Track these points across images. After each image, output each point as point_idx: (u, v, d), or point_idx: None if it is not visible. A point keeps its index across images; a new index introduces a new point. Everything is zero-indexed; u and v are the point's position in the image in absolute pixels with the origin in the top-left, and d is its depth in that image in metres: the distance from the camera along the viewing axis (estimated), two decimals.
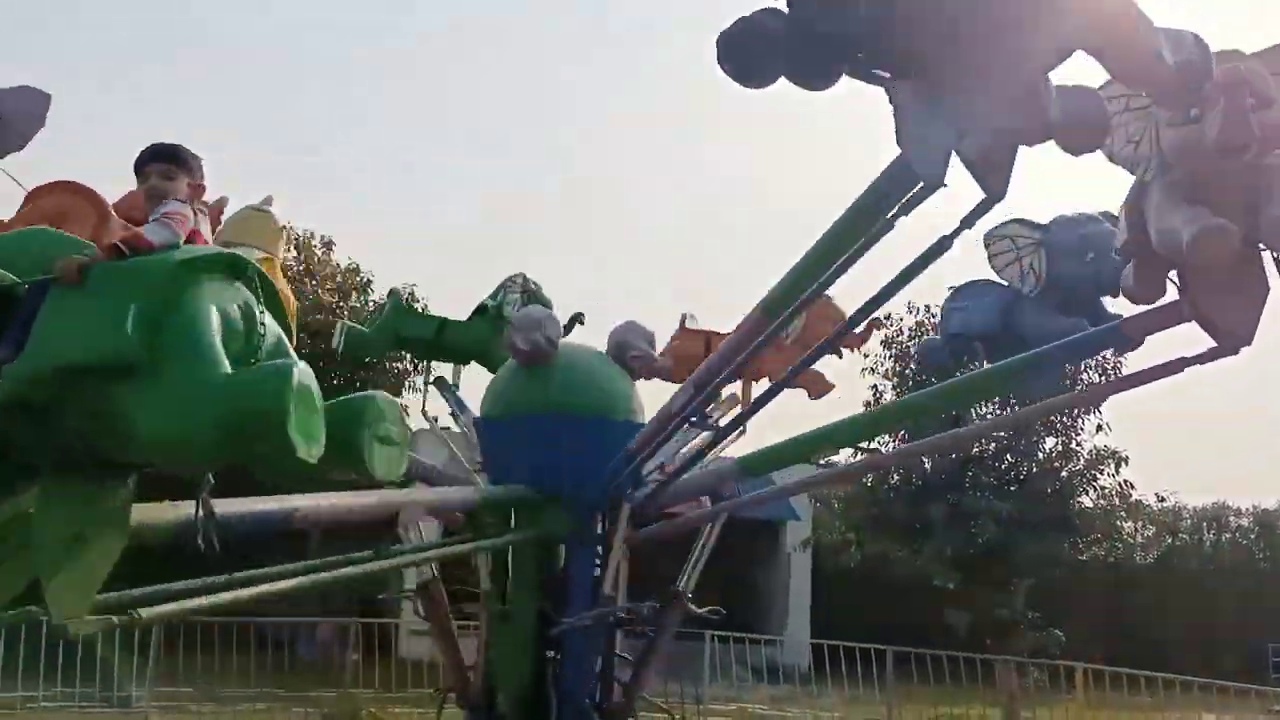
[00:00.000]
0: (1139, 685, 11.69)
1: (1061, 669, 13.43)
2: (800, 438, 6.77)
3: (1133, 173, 4.43)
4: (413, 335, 7.62)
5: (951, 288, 6.38)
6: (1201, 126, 3.82)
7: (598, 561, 6.40)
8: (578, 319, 7.21)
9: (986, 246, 5.58)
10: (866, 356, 18.42)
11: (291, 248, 24.94)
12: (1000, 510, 16.58)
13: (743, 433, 7.88)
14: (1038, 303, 5.76)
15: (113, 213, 3.10)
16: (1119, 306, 5.23)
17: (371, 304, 24.93)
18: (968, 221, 3.48)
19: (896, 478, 18.32)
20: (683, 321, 7.62)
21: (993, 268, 5.64)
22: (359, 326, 8.10)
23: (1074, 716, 12.27)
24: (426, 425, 8.17)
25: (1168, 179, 4.14)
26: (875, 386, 18.42)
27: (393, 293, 7.14)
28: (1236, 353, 4.48)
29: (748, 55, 2.84)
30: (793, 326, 6.74)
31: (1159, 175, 4.23)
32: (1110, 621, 27.88)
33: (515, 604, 6.31)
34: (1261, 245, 4.25)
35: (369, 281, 25.26)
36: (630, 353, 6.88)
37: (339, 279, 23.82)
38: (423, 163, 56.23)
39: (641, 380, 7.04)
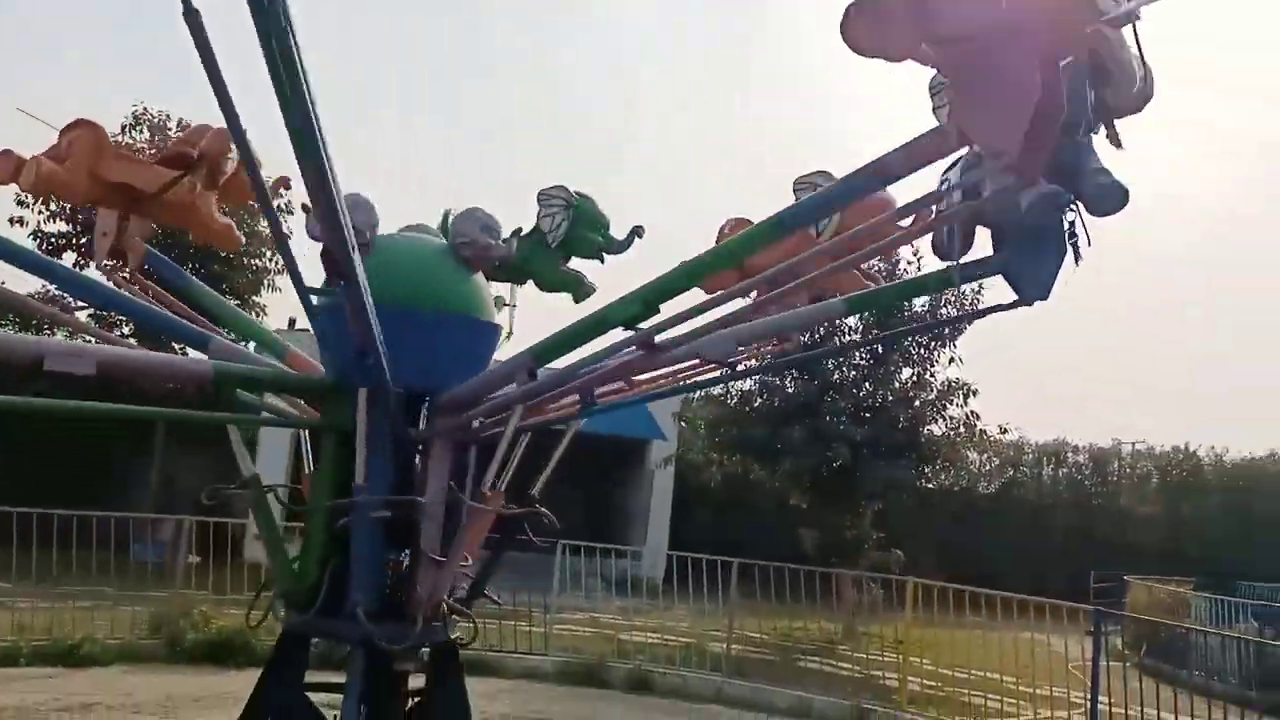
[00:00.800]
0: (972, 603, 12.30)
1: (894, 586, 14.03)
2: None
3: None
4: None
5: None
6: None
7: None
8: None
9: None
10: None
11: (144, 129, 23.43)
12: (855, 435, 17.10)
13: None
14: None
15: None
16: None
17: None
18: None
19: (758, 400, 18.65)
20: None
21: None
22: None
23: (905, 631, 12.85)
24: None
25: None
26: None
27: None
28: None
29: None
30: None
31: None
32: (952, 545, 29.37)
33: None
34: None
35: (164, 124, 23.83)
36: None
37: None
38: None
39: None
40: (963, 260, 5.31)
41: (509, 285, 7.45)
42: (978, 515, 33.02)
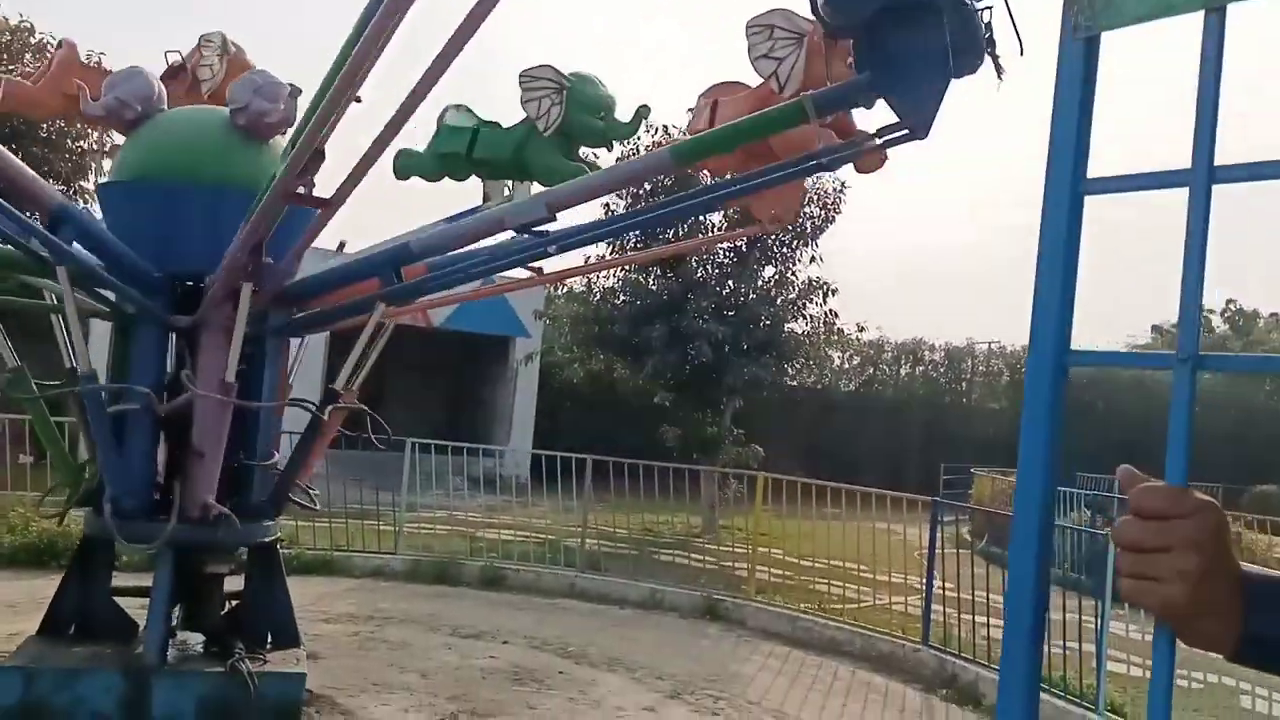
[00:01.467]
0: (831, 497, 12.57)
1: (750, 481, 14.25)
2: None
3: None
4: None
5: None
6: None
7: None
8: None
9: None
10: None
11: None
12: (716, 333, 17.10)
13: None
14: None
15: None
16: None
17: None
18: None
19: (621, 298, 18.44)
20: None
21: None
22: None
23: (755, 523, 13.09)
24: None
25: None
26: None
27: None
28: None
29: None
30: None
31: None
32: (813, 443, 30.22)
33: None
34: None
35: (47, 43, 21.82)
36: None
37: (5, 36, 20.35)
38: None
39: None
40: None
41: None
42: (838, 413, 33.99)
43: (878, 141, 4.77)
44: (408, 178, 6.33)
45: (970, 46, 4.14)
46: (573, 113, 5.73)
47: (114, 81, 5.71)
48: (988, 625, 9.54)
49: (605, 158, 12.22)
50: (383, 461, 15.18)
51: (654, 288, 18.05)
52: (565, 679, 8.26)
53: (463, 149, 6.10)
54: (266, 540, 6.39)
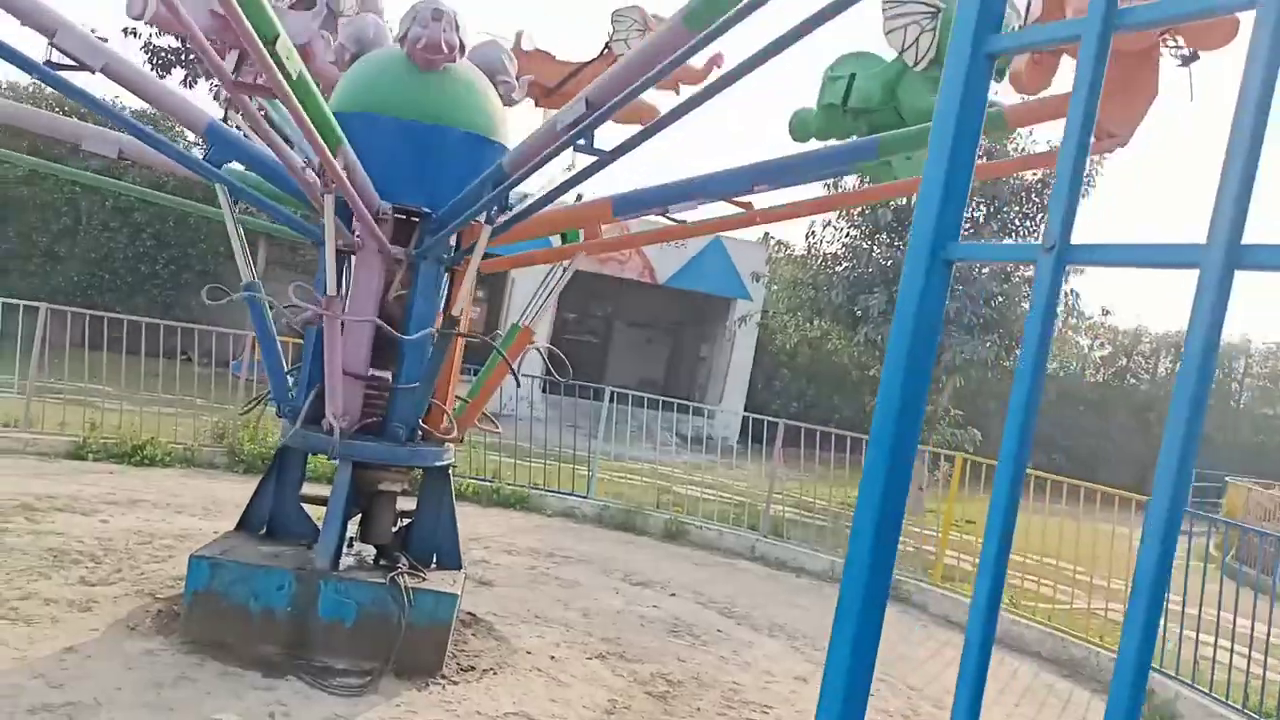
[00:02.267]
0: (1046, 489, 11.78)
1: (954, 460, 13.56)
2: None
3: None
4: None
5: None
6: None
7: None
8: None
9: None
10: None
11: None
12: None
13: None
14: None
15: None
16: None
17: None
18: None
19: (842, 264, 17.96)
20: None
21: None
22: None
23: (968, 510, 12.48)
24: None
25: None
26: None
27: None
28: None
29: None
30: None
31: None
32: (1046, 433, 28.39)
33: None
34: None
35: None
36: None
37: None
38: None
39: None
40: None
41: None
42: (1080, 404, 31.72)
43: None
44: (805, 139, 5.81)
45: None
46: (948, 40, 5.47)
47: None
48: (1214, 647, 8.70)
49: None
50: (594, 410, 15.68)
51: (876, 254, 17.45)
52: (722, 637, 8.24)
53: (839, 99, 5.48)
54: (439, 465, 6.72)
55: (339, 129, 5.55)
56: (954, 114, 0.95)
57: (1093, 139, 4.22)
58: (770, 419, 13.29)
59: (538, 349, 7.08)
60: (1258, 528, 16.77)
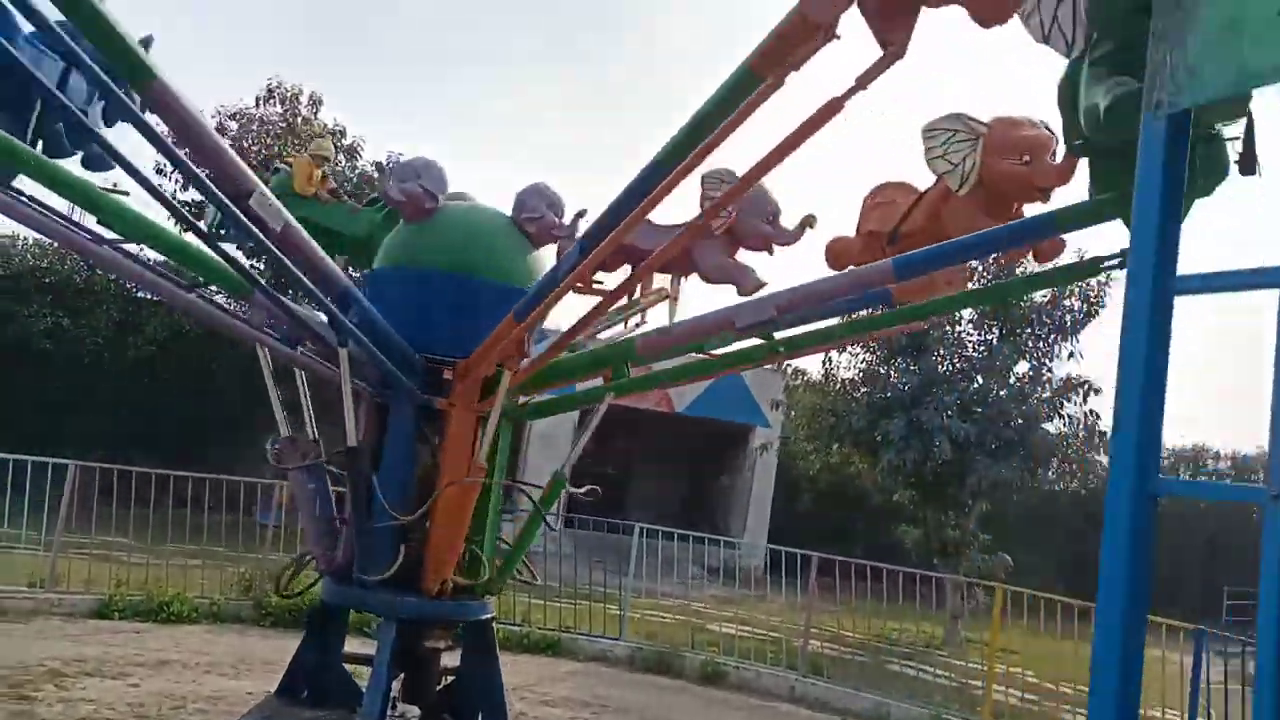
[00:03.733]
0: (1081, 615, 11.54)
1: (995, 591, 13.30)
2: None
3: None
4: None
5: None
6: None
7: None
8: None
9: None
10: None
11: (276, 102, 24.20)
12: (959, 430, 16.29)
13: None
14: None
15: None
16: None
17: (358, 171, 24.37)
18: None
19: (862, 390, 18.01)
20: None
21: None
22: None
23: (993, 638, 12.15)
24: None
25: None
26: None
27: None
28: None
29: None
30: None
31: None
32: (1077, 554, 27.89)
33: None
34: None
35: (356, 146, 24.65)
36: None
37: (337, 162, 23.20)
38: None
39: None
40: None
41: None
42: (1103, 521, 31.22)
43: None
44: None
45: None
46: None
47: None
48: None
49: None
50: (618, 544, 15.49)
51: (894, 379, 17.51)
52: None
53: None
54: (484, 618, 6.59)
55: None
56: (1143, 354, 0.97)
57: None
58: (802, 552, 13.08)
59: (571, 492, 7.01)
60: None
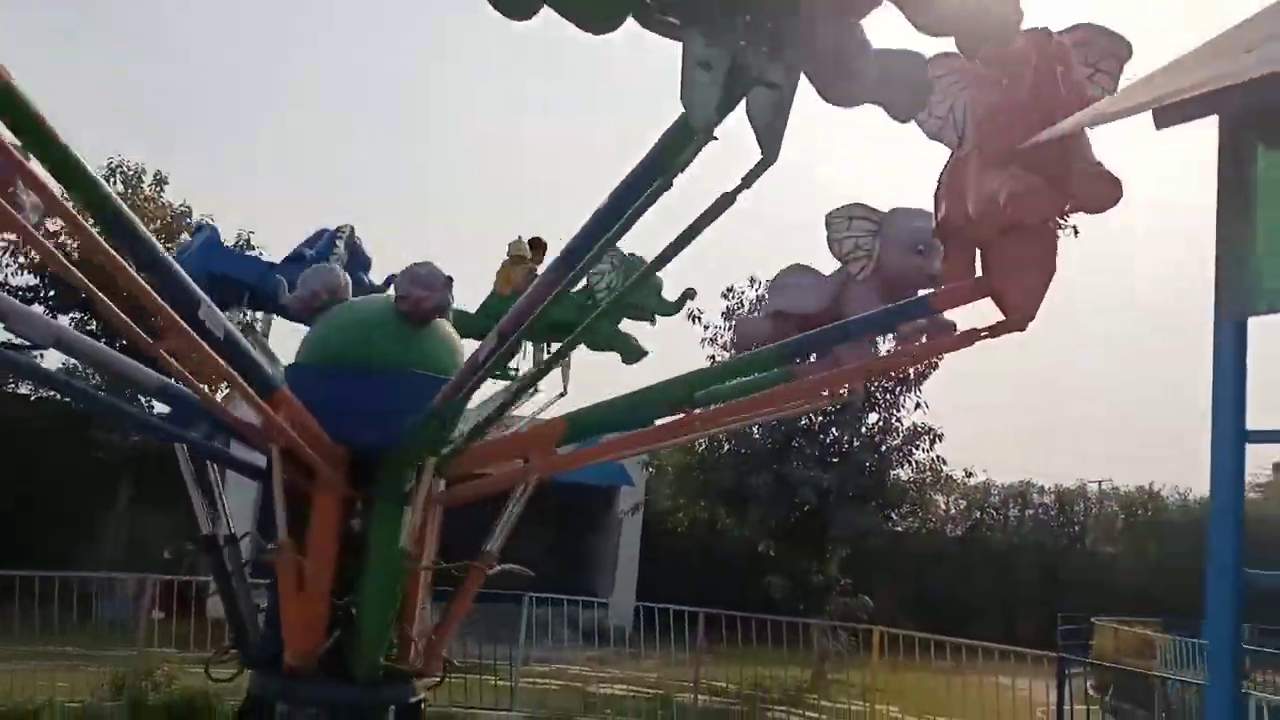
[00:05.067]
0: (941, 650, 12.38)
1: (862, 633, 14.08)
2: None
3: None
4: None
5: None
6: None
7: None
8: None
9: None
10: (707, 328, 18.77)
11: (117, 182, 23.45)
12: (821, 481, 17.17)
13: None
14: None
15: None
16: None
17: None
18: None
19: (726, 446, 18.70)
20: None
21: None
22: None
23: (873, 678, 12.86)
24: None
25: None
26: (713, 357, 18.70)
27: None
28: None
29: None
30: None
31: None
32: (922, 590, 29.41)
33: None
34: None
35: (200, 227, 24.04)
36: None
37: (168, 219, 22.51)
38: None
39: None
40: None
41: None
42: (946, 560, 33.11)
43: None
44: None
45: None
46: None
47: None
48: None
49: None
50: (492, 613, 15.45)
51: (757, 435, 18.29)
52: None
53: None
54: (413, 701, 6.67)
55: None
56: (1230, 494, 1.41)
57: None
58: (674, 607, 13.52)
59: (499, 570, 7.19)
60: (1132, 668, 17.84)
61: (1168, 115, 1.94)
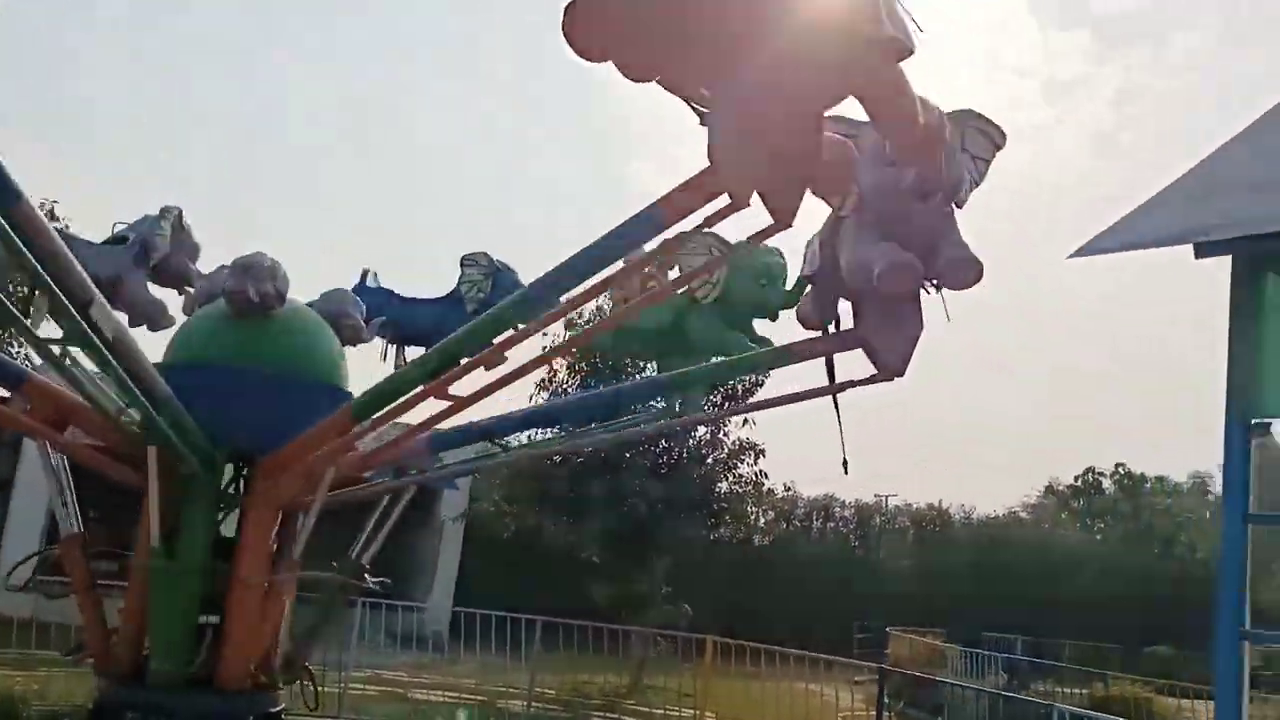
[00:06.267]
0: (753, 656, 12.93)
1: (680, 640, 14.59)
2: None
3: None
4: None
5: None
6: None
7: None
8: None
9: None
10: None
11: None
12: (652, 491, 17.56)
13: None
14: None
15: None
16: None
17: None
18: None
19: (560, 457, 18.79)
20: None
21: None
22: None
23: (701, 684, 13.31)
24: None
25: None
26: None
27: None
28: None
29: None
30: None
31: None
32: (733, 596, 30.43)
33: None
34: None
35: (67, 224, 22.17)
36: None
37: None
38: None
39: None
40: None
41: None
42: (754, 568, 34.36)
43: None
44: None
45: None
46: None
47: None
48: None
49: None
50: (308, 617, 14.87)
51: (591, 446, 18.48)
52: None
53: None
54: (273, 711, 6.46)
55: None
56: (1237, 566, 1.67)
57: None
58: (527, 617, 13.53)
59: (371, 583, 7.07)
60: (925, 674, 19.12)
61: (1206, 249, 2.28)
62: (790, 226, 3.78)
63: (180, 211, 7.00)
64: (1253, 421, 1.73)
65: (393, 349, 7.60)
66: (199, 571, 5.91)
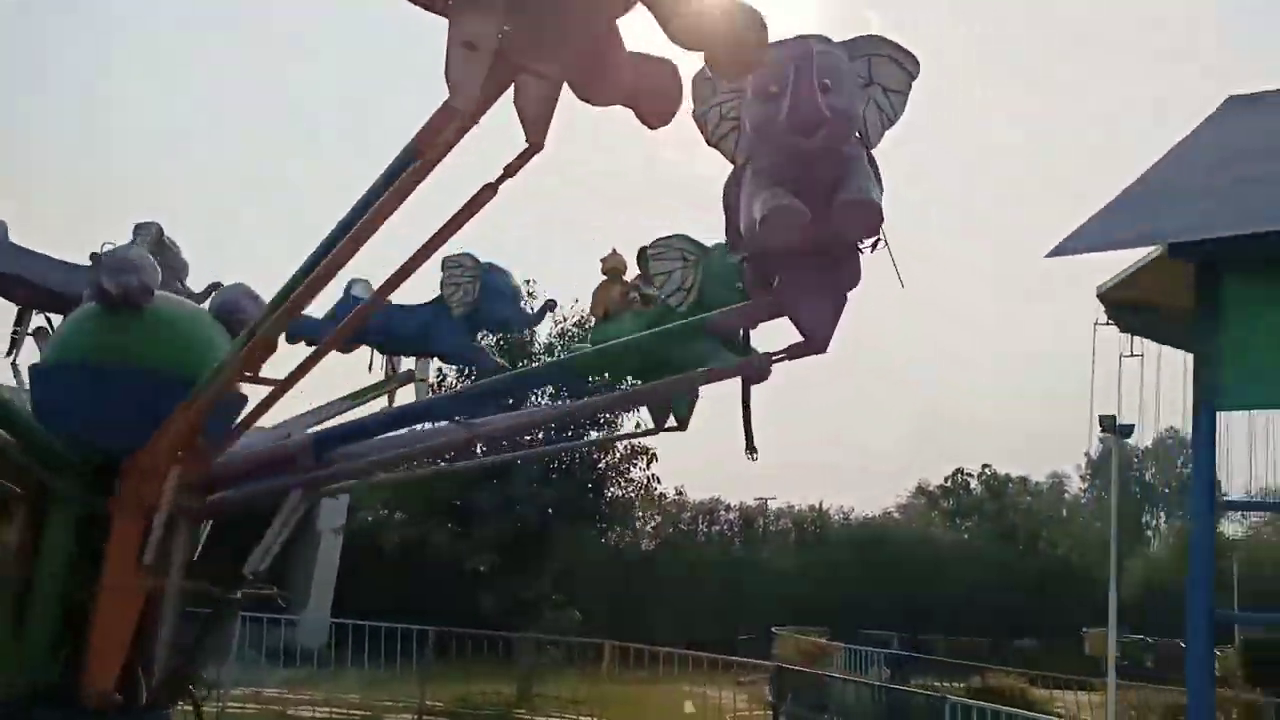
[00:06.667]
0: (650, 660, 12.83)
1: (572, 646, 14.36)
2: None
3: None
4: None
5: None
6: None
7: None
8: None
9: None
10: None
11: None
12: (544, 497, 17.27)
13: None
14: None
15: None
16: None
17: None
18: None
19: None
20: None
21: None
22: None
23: (580, 691, 13.14)
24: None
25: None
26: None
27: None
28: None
29: None
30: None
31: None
32: (621, 601, 30.21)
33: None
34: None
35: None
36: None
37: None
38: None
39: None
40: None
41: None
42: (641, 571, 34.27)
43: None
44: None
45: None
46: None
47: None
48: None
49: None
50: (182, 632, 14.03)
51: (480, 451, 18.06)
52: None
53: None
54: None
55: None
56: (1203, 562, 1.59)
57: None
58: (419, 628, 13.07)
59: (264, 594, 6.63)
60: (813, 671, 19.38)
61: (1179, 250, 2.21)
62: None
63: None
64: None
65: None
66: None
